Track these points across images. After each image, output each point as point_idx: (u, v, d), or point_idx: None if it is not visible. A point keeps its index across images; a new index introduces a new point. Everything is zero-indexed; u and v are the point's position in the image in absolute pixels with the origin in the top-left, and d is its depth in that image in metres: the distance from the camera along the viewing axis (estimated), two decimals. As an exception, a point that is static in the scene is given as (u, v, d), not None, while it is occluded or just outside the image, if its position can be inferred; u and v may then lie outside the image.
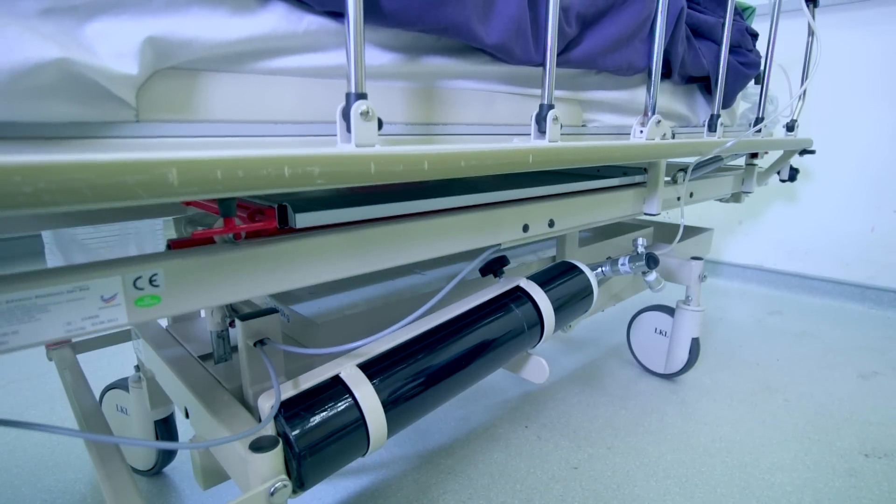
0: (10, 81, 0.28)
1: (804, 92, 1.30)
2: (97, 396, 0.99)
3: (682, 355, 1.25)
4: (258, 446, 0.51)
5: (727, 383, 1.29)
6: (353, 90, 0.41)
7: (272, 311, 0.63)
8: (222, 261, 0.44)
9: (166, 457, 0.96)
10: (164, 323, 0.86)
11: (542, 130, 0.59)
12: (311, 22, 0.42)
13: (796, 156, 1.75)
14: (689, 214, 2.19)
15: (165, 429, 0.92)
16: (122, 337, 0.89)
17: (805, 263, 1.92)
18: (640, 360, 1.37)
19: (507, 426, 1.11)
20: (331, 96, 0.46)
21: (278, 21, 0.40)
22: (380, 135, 0.45)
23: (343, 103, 0.42)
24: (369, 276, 1.05)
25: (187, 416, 0.67)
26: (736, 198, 1.45)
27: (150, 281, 0.40)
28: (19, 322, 0.35)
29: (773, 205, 1.98)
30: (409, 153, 0.44)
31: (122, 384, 0.94)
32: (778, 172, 1.46)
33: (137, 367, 0.88)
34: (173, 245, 0.44)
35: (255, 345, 0.60)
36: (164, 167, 0.31)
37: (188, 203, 0.65)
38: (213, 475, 0.64)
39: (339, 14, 0.42)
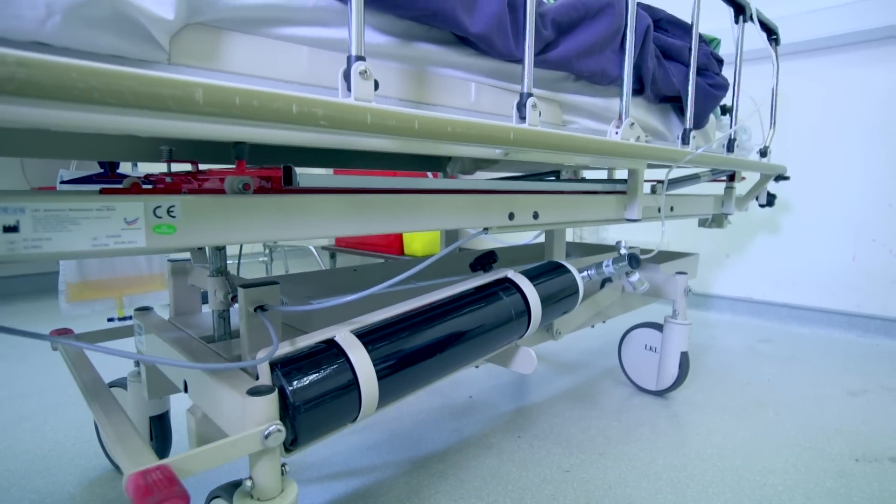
0: (72, 8, 0.34)
1: (773, 120, 1.40)
2: (94, 396, 1.00)
3: (673, 370, 1.26)
4: (255, 391, 0.53)
5: (719, 400, 1.30)
6: (353, 53, 0.48)
7: (273, 282, 0.67)
8: (232, 204, 0.49)
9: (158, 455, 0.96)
10: (166, 316, 0.89)
11: (522, 116, 0.66)
12: (319, 0, 0.49)
13: (777, 185, 1.84)
14: (676, 246, 2.25)
15: (160, 426, 0.93)
16: (124, 332, 0.92)
17: (792, 294, 1.96)
18: (632, 379, 1.38)
19: (500, 436, 1.11)
20: (335, 67, 0.53)
21: (291, -5, 0.47)
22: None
23: (345, 66, 0.48)
24: (364, 283, 1.09)
25: (186, 389, 0.69)
26: (718, 222, 1.51)
27: (168, 211, 0.45)
28: (53, 230, 0.39)
29: (758, 237, 2.04)
30: (402, 112, 0.50)
31: (120, 382, 0.96)
32: (757, 198, 1.53)
33: (137, 363, 0.91)
34: (189, 191, 0.49)
35: (255, 310, 0.64)
36: (192, 87, 0.37)
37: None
38: (208, 442, 0.65)
39: (343, -4, 0.50)
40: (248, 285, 0.65)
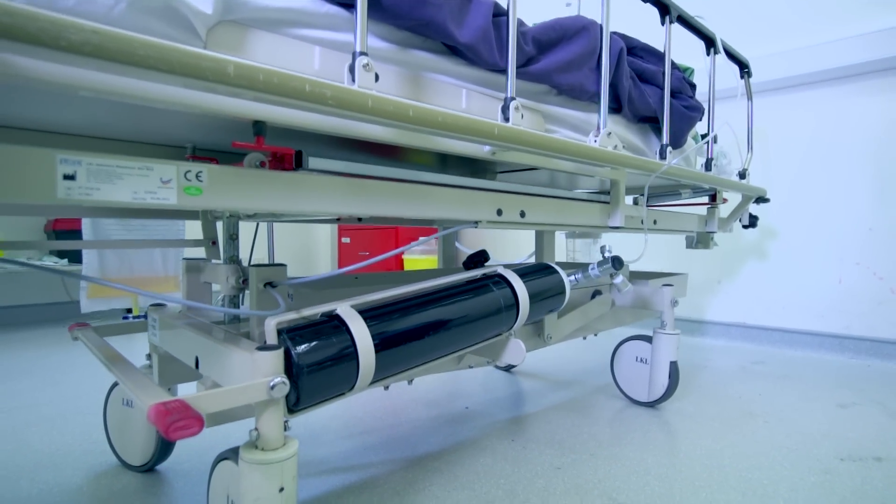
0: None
1: (750, 146, 1.50)
2: (106, 393, 1.05)
3: (663, 380, 1.30)
4: (263, 348, 0.59)
5: (710, 411, 1.33)
6: (357, 49, 0.56)
7: (281, 265, 0.73)
8: (250, 175, 0.56)
9: (161, 453, 0.99)
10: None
11: (506, 118, 0.74)
12: (330, 8, 0.58)
13: (764, 212, 1.92)
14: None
15: (167, 418, 0.97)
16: (139, 327, 0.98)
17: (783, 318, 2.00)
18: (625, 391, 1.41)
19: (495, 440, 1.14)
20: (342, 67, 0.61)
21: (307, 2, 0.56)
22: (377, 100, 0.60)
23: (350, 61, 0.57)
24: (364, 289, 1.15)
25: (197, 365, 0.74)
26: (704, 242, 1.58)
27: (197, 176, 0.52)
28: (102, 182, 0.47)
29: (747, 263, 2.11)
30: (399, 100, 0.58)
31: (130, 377, 1.00)
32: (740, 219, 1.61)
33: (148, 356, 0.96)
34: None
35: (264, 286, 0.70)
36: (225, 63, 0.45)
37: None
38: (218, 413, 0.70)
39: (350, 6, 0.59)
40: (258, 265, 0.71)
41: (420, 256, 2.81)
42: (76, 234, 2.46)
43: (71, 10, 0.41)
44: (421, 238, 0.79)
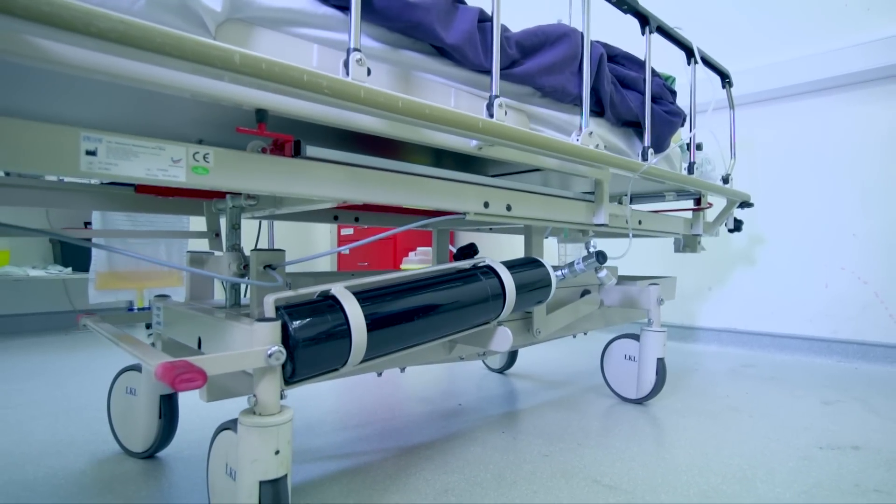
0: (155, -5, 0.49)
1: (733, 152, 1.56)
2: (110, 383, 1.09)
3: (651, 376, 1.34)
4: (261, 319, 0.64)
5: (697, 407, 1.36)
6: (351, 46, 0.62)
7: (279, 250, 0.78)
8: (252, 159, 0.61)
9: (162, 440, 1.02)
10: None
11: (490, 114, 0.80)
12: (327, 10, 0.64)
13: (751, 219, 1.97)
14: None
15: (168, 405, 1.01)
16: (144, 317, 1.02)
17: (772, 322, 2.04)
18: (614, 389, 1.45)
19: (486, 432, 1.18)
20: (337, 64, 0.67)
21: (305, 3, 0.62)
22: (370, 94, 0.65)
23: (345, 57, 0.63)
24: (361, 284, 1.19)
25: (200, 346, 0.79)
26: (691, 246, 1.63)
27: (204, 157, 0.58)
28: (120, 159, 0.52)
29: (736, 269, 2.15)
30: (389, 92, 0.64)
31: (134, 366, 1.04)
32: (725, 224, 1.66)
33: (153, 345, 1.00)
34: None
35: (264, 268, 0.75)
36: (232, 52, 0.51)
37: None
38: (218, 389, 0.74)
39: (345, 8, 0.65)
40: (259, 250, 0.76)
41: (417, 265, 2.86)
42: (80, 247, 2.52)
43: (97, 5, 0.47)
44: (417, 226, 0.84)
